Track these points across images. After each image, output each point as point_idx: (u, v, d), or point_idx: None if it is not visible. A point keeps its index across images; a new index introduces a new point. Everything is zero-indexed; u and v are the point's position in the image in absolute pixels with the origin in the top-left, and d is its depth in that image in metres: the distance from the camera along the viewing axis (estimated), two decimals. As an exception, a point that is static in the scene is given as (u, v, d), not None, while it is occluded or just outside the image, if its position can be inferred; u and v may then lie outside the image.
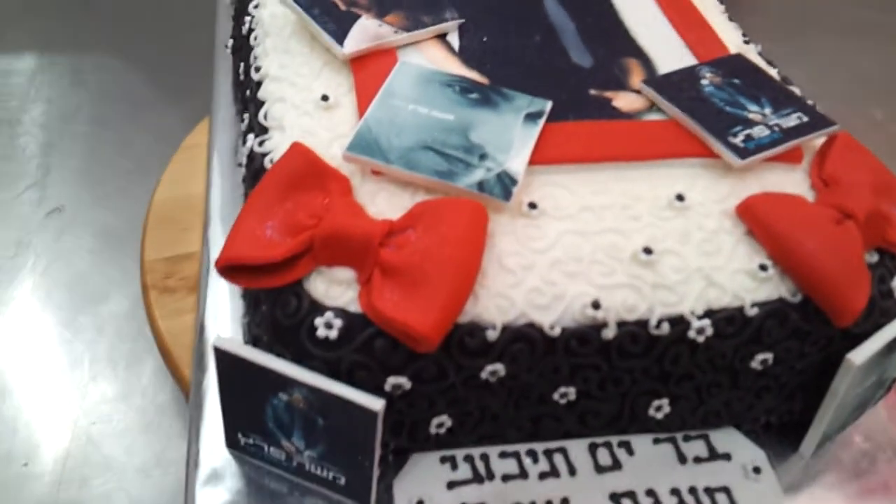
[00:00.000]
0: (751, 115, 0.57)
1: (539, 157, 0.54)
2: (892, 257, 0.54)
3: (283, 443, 0.52)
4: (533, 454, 0.56)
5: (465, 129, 0.54)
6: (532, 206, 0.52)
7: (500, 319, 0.48)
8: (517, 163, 0.53)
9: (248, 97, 0.63)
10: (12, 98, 1.39)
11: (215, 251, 0.65)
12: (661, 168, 0.55)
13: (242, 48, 0.70)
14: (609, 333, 0.49)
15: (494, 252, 0.49)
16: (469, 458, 0.55)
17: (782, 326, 0.51)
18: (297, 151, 0.52)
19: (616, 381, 0.53)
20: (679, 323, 0.50)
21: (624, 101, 0.60)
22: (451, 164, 0.52)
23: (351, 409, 0.47)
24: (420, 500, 0.53)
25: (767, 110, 0.58)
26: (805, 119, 0.57)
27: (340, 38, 0.61)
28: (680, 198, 0.53)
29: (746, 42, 0.67)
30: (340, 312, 0.48)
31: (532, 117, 0.56)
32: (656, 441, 0.57)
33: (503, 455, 0.56)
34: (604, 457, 0.56)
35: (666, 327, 0.49)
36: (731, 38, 0.67)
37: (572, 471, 0.55)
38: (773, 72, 0.63)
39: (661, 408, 0.55)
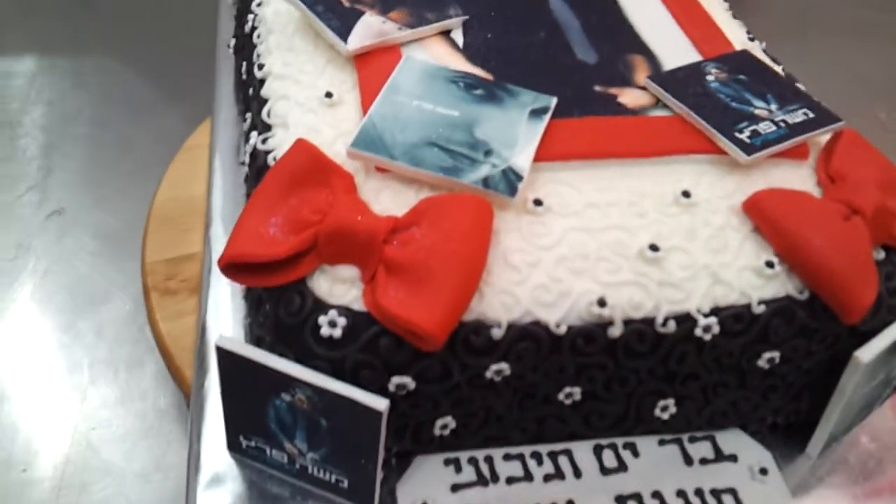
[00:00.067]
0: (757, 111, 0.57)
1: (544, 154, 0.54)
2: (899, 254, 0.54)
3: (286, 445, 0.51)
4: (537, 456, 0.55)
5: (469, 125, 0.54)
6: (537, 202, 0.51)
7: (505, 317, 0.47)
8: (522, 159, 0.52)
9: (251, 95, 0.63)
10: (13, 100, 1.39)
11: (217, 252, 0.64)
12: (666, 164, 0.55)
13: (245, 47, 0.70)
14: (615, 331, 0.49)
15: (499, 249, 0.49)
16: (473, 461, 0.55)
17: (789, 324, 0.51)
18: (301, 148, 0.51)
19: (622, 381, 0.52)
20: (686, 320, 0.49)
21: (629, 97, 0.60)
22: (455, 161, 0.51)
23: (355, 409, 0.46)
24: (424, 503, 0.52)
25: (773, 106, 0.58)
26: (811, 115, 0.57)
27: (344, 34, 0.60)
28: (686, 194, 0.53)
29: (751, 39, 0.67)
30: (344, 311, 0.47)
31: (537, 113, 0.56)
32: (662, 442, 0.57)
33: (507, 457, 0.55)
34: (609, 458, 0.56)
35: (672, 325, 0.49)
36: (736, 36, 0.67)
37: (577, 473, 0.55)
38: (778, 68, 0.63)
39: (666, 408, 0.55)
